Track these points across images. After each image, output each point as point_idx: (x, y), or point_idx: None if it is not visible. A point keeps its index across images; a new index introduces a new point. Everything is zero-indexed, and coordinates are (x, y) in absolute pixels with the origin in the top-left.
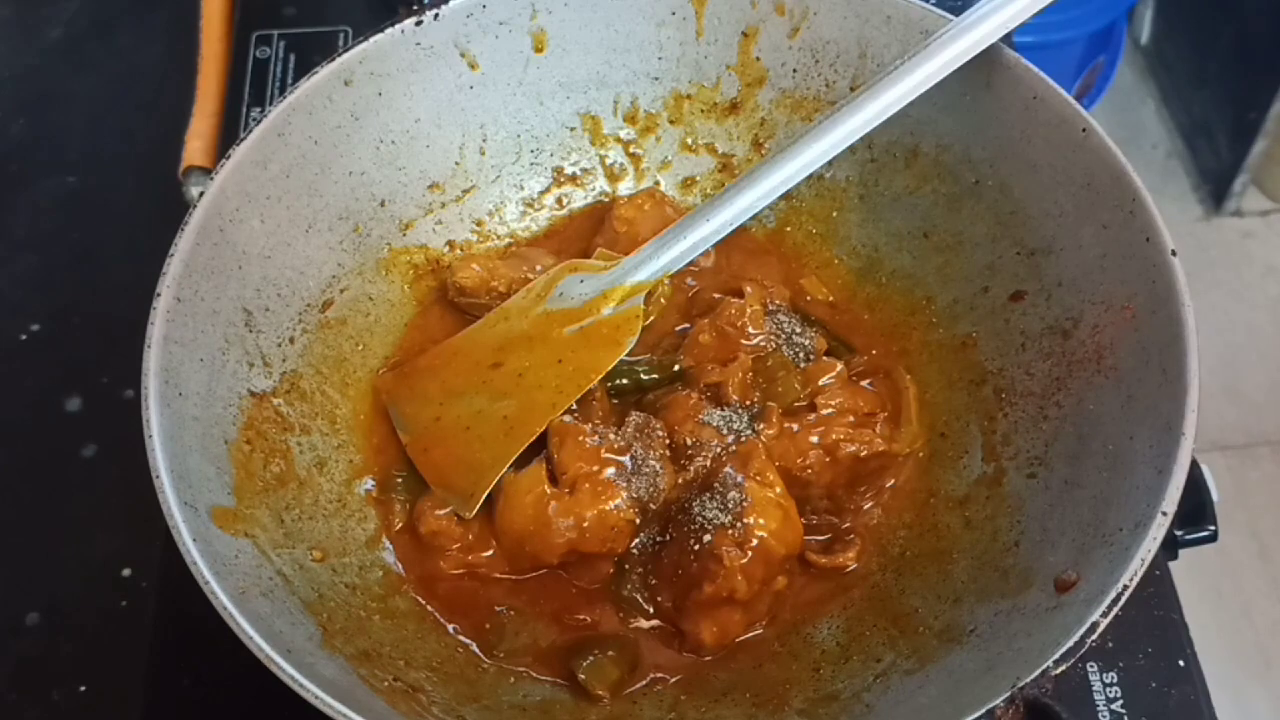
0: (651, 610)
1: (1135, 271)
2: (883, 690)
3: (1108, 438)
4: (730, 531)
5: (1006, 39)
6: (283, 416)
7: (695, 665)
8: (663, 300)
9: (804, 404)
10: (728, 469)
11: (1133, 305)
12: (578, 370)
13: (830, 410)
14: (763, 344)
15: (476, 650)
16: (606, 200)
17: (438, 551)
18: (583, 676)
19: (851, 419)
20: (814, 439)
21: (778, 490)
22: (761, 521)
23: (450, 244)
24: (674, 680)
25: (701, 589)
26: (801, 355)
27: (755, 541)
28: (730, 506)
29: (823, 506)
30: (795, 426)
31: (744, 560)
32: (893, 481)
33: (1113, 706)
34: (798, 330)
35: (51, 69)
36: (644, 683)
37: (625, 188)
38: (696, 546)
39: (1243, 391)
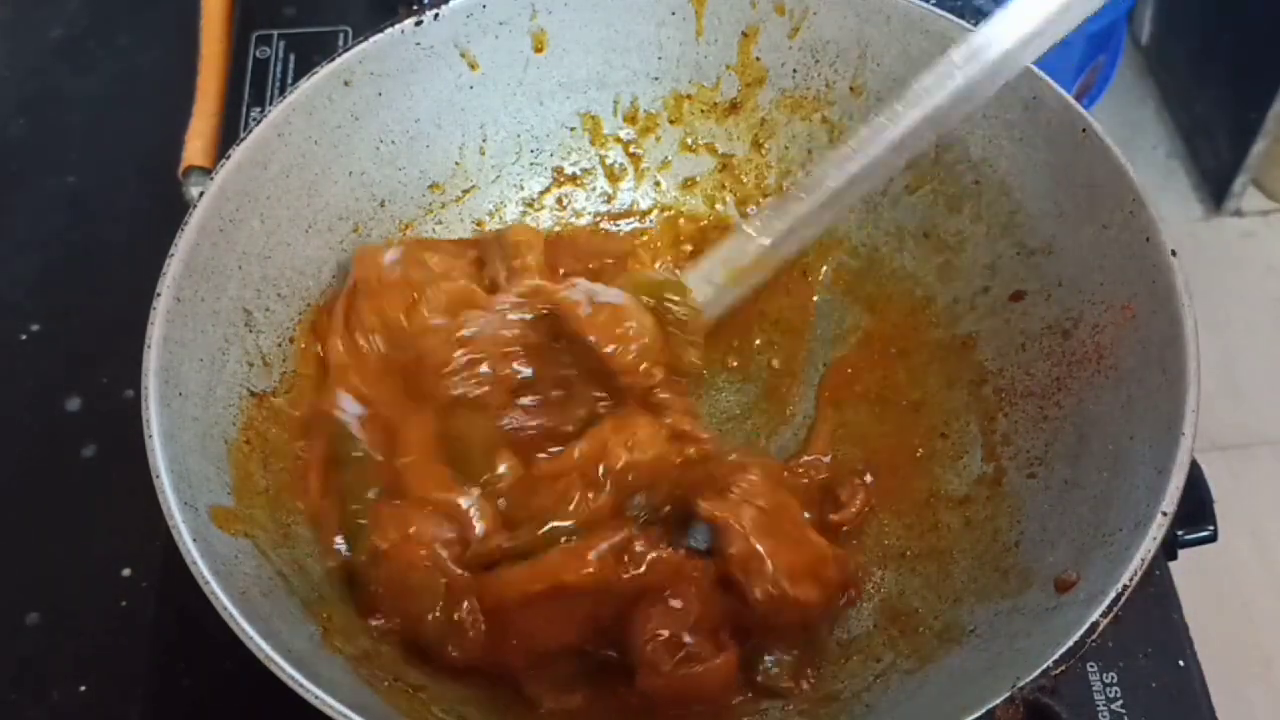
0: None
1: (1135, 271)
2: (883, 690)
3: (1108, 438)
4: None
5: None
6: (283, 416)
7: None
8: None
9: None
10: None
11: (1133, 305)
12: None
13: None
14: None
15: None
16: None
17: None
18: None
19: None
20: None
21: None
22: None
23: None
24: None
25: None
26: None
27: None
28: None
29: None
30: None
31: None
32: None
33: (1113, 706)
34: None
35: (51, 69)
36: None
37: (625, 188)
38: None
39: (1243, 391)
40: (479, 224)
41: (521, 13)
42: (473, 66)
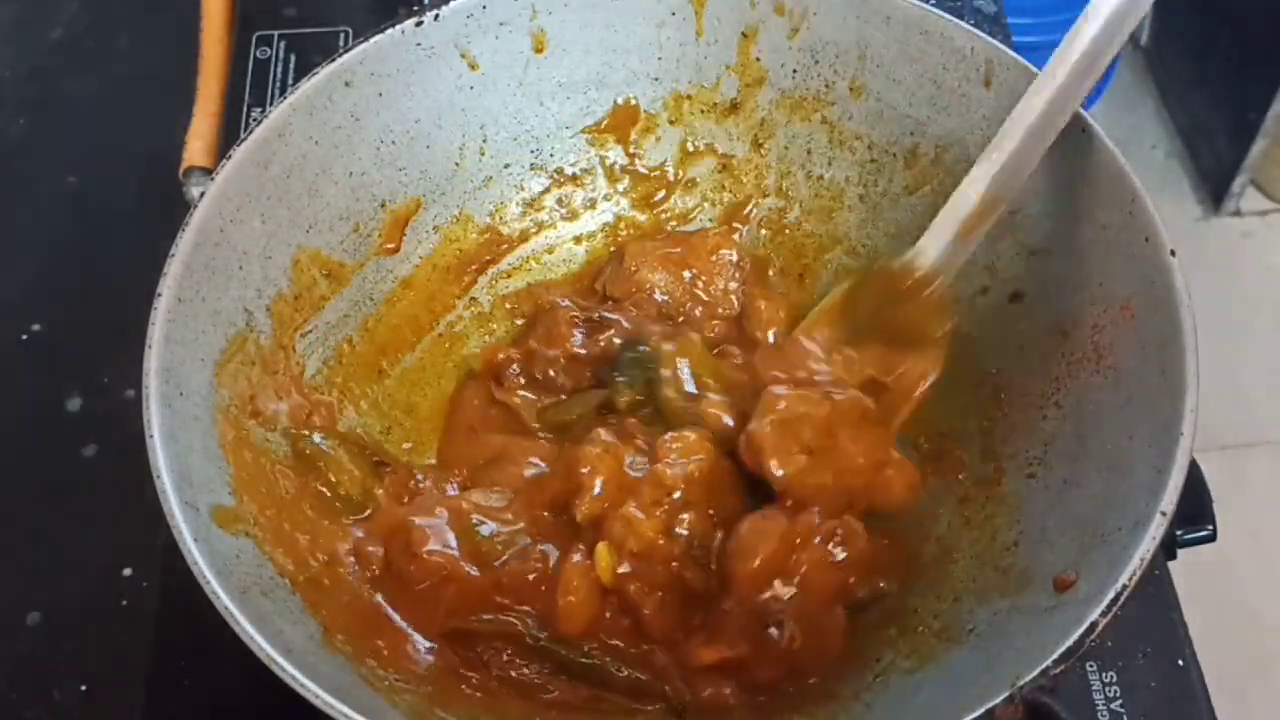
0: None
1: (1135, 271)
2: (882, 690)
3: (1107, 438)
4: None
5: (1006, 39)
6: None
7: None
8: None
9: None
10: None
11: (1132, 305)
12: None
13: None
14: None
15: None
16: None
17: None
18: None
19: None
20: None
21: None
22: None
23: None
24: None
25: None
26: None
27: None
28: None
29: None
30: None
31: None
32: None
33: (1112, 706)
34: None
35: (51, 69)
36: None
37: (625, 188)
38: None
39: (1243, 391)
40: (480, 225)
41: (521, 13)
42: (473, 67)
